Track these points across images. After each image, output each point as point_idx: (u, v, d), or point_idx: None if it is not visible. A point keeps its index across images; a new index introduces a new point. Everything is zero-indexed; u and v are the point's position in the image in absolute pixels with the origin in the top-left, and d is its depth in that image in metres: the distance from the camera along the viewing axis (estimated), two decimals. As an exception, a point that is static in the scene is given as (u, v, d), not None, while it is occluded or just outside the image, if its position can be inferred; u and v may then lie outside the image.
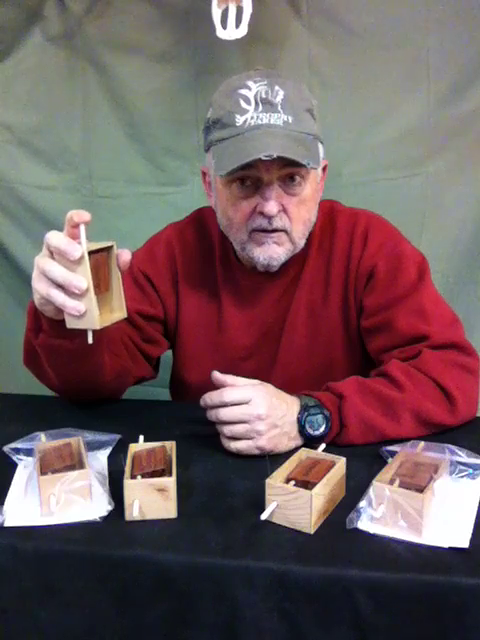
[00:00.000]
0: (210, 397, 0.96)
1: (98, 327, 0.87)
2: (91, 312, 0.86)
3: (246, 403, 0.94)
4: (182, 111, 1.70)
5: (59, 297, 0.85)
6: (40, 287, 0.87)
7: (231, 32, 1.46)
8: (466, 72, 1.60)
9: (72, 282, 0.83)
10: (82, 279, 0.84)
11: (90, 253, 0.85)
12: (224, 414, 0.94)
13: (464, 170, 1.67)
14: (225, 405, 0.94)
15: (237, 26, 1.45)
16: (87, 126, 1.75)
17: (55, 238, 0.85)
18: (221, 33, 1.46)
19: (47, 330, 0.98)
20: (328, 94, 1.62)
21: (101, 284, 0.89)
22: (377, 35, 1.60)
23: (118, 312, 0.92)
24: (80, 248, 0.83)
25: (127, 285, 1.15)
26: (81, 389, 1.12)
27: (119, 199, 1.79)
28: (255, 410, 0.93)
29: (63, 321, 0.90)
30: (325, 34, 1.61)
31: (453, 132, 1.64)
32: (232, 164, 1.03)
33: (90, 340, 0.89)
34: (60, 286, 0.85)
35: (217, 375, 0.98)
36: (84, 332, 0.90)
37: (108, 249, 0.90)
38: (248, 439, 0.94)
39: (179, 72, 1.68)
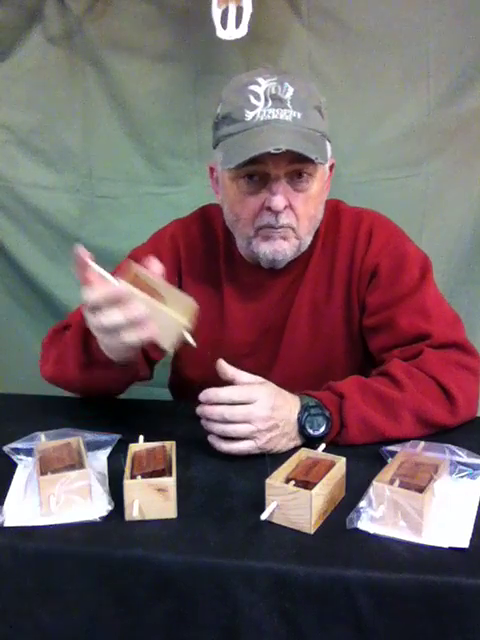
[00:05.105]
0: (214, 394, 0.95)
1: (187, 324, 0.88)
2: (169, 318, 0.87)
3: (251, 403, 0.94)
4: (182, 111, 1.70)
5: (132, 336, 0.85)
6: (113, 343, 0.89)
7: (231, 32, 1.46)
8: (466, 72, 1.60)
9: (134, 314, 0.84)
10: (139, 306, 0.84)
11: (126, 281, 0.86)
12: (231, 414, 0.93)
13: (464, 170, 1.67)
14: (232, 403, 0.93)
15: (237, 26, 1.45)
16: (87, 126, 1.75)
17: (95, 294, 0.85)
18: (221, 33, 1.46)
19: (106, 364, 0.99)
20: (328, 94, 1.60)
21: (155, 296, 0.89)
22: (377, 35, 1.60)
23: (189, 307, 0.92)
24: (122, 284, 0.85)
25: None
26: (98, 394, 1.16)
27: (119, 199, 1.79)
28: (260, 411, 0.93)
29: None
30: (325, 34, 1.61)
31: (453, 132, 1.65)
32: (240, 158, 1.03)
33: (194, 343, 0.90)
34: (127, 327, 0.85)
35: (223, 365, 0.97)
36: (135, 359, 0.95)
37: (133, 272, 0.91)
38: (249, 439, 0.94)
39: (179, 72, 1.68)
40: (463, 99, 1.62)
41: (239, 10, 1.45)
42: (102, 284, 0.85)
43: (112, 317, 0.84)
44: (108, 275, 0.86)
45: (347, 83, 1.63)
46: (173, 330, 0.88)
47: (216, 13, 1.46)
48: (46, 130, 1.76)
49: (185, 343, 0.90)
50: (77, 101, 1.74)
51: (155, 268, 0.90)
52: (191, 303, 0.92)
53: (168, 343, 0.89)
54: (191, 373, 1.28)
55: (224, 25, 1.46)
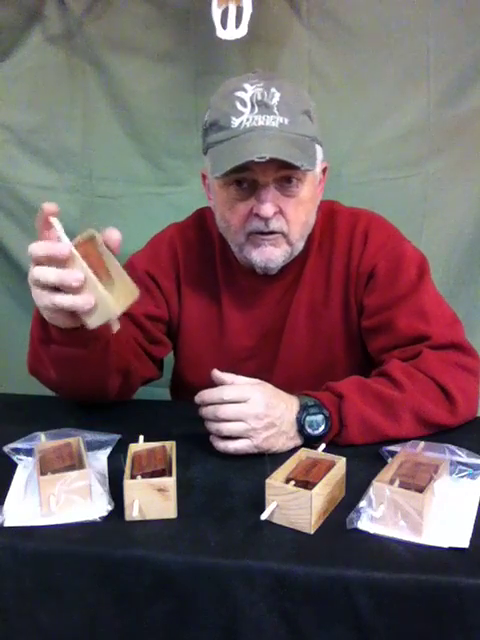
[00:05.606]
0: (208, 394, 0.95)
1: (119, 312, 0.84)
2: (104, 300, 0.83)
3: (244, 402, 0.94)
4: (182, 111, 1.70)
5: (65, 300, 0.82)
6: (43, 300, 0.84)
7: (231, 32, 1.46)
8: (466, 72, 1.60)
9: (67, 278, 0.81)
10: (76, 272, 0.81)
11: (77, 246, 0.82)
12: (223, 412, 0.93)
13: (464, 170, 1.67)
14: (223, 403, 0.94)
15: (237, 26, 1.45)
16: (87, 126, 1.75)
17: (38, 247, 0.82)
18: (221, 33, 1.46)
19: (60, 340, 0.95)
20: (328, 94, 1.62)
21: (100, 273, 0.85)
22: (377, 35, 1.60)
23: (130, 294, 0.88)
24: (65, 244, 0.81)
25: None
26: (90, 395, 1.12)
27: (119, 199, 1.79)
28: (253, 409, 0.93)
29: (76, 329, 0.88)
30: (325, 34, 1.61)
31: (453, 132, 1.64)
32: (226, 166, 1.03)
33: (115, 329, 0.86)
34: (60, 289, 0.82)
35: (217, 373, 0.97)
36: (98, 337, 0.87)
37: (91, 240, 0.86)
38: (245, 438, 0.94)
39: (179, 72, 1.68)
40: (463, 99, 1.62)
41: (239, 10, 1.45)
42: (54, 243, 0.82)
43: (45, 272, 0.82)
44: (65, 237, 0.82)
45: (347, 83, 1.63)
46: (103, 312, 0.83)
47: (216, 13, 1.46)
48: (46, 130, 1.75)
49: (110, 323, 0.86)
50: (77, 101, 1.73)
51: (114, 237, 0.86)
52: (134, 291, 0.88)
53: (93, 322, 0.85)
54: (191, 377, 1.28)
55: (224, 25, 1.46)
